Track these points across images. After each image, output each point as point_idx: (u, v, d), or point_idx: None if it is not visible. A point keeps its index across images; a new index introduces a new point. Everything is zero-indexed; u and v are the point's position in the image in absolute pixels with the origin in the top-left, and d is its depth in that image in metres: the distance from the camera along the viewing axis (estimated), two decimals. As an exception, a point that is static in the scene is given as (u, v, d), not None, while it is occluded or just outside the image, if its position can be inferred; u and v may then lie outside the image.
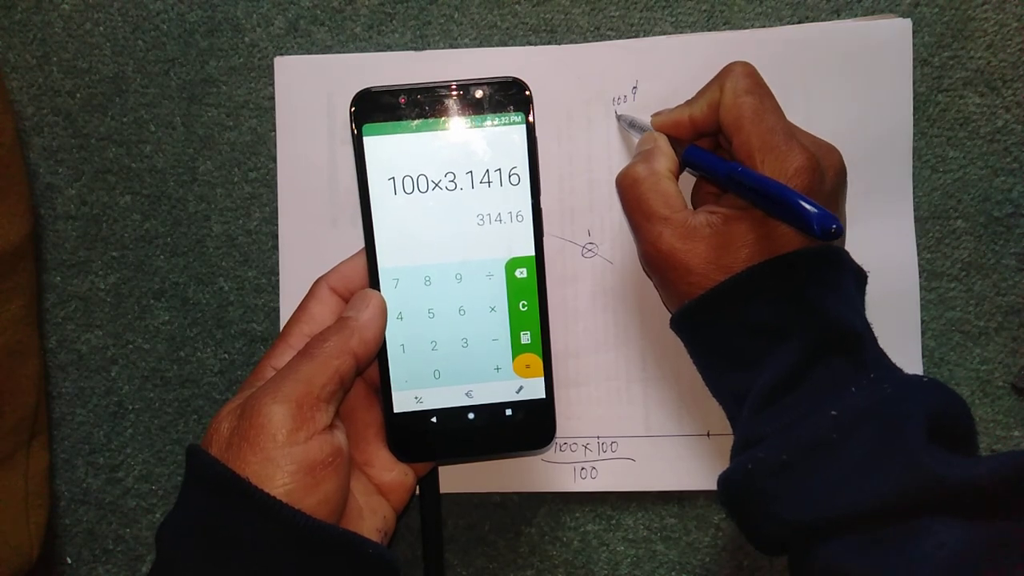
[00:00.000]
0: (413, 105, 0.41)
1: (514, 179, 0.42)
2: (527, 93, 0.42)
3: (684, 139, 0.45)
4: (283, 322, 0.49)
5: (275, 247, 0.49)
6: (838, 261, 0.41)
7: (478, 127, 0.41)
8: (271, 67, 0.49)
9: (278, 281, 0.49)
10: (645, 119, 0.47)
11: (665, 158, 0.44)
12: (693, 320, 0.42)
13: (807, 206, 0.37)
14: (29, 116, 0.50)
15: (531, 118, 0.42)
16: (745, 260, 0.40)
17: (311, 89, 0.49)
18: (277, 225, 0.49)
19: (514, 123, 0.41)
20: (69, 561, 0.50)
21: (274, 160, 0.49)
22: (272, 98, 0.49)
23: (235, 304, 0.50)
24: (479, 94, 0.41)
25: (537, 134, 0.42)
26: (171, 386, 0.50)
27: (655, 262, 0.43)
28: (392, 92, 0.41)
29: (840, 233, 0.36)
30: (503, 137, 0.41)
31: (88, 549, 0.50)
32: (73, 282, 0.50)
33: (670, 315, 0.45)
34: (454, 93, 0.41)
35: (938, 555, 0.33)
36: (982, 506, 0.34)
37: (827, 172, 0.41)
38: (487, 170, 0.41)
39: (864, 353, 0.40)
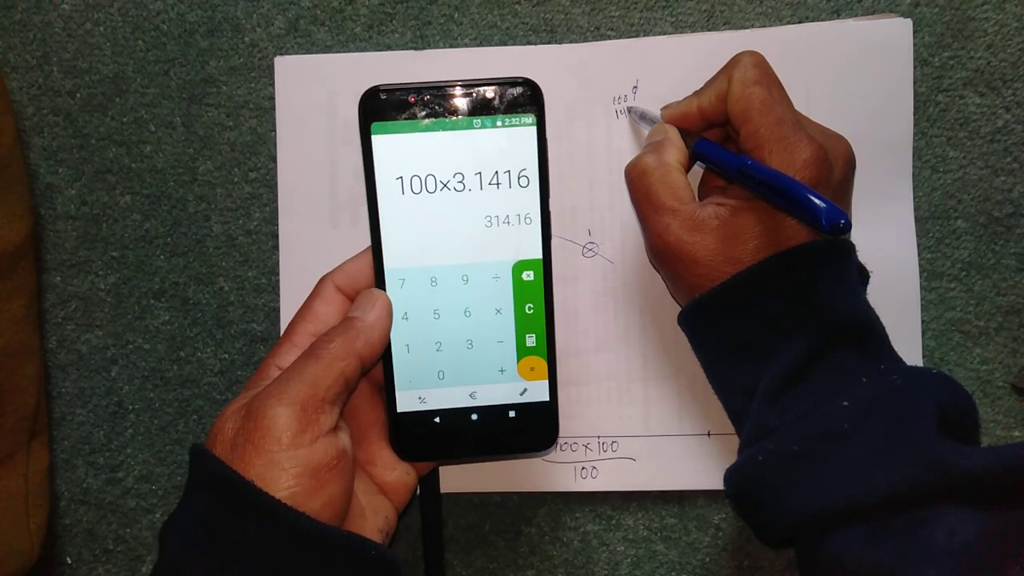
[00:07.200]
0: (423, 104, 0.40)
1: (523, 181, 0.41)
2: (538, 94, 0.41)
3: (694, 130, 0.45)
4: (283, 322, 0.49)
5: (275, 247, 0.49)
6: (848, 254, 0.41)
7: (488, 128, 0.41)
8: (271, 67, 0.49)
9: (278, 281, 0.49)
10: (656, 111, 0.47)
11: (675, 149, 0.44)
12: (703, 314, 0.42)
13: (816, 201, 0.37)
14: (29, 116, 0.50)
15: (542, 120, 0.41)
16: (753, 252, 0.40)
17: (311, 89, 0.49)
18: (277, 225, 0.49)
19: (525, 124, 0.41)
20: (69, 561, 0.50)
21: (274, 160, 0.49)
22: (272, 98, 0.49)
23: (235, 304, 0.50)
24: (490, 94, 0.40)
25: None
26: (171, 386, 0.50)
27: (662, 254, 0.43)
28: (402, 90, 0.40)
29: (848, 228, 0.36)
30: (513, 138, 0.41)
31: (88, 549, 0.50)
32: (73, 282, 0.50)
33: (678, 309, 0.44)
34: (465, 93, 0.40)
35: (951, 543, 0.33)
36: (993, 495, 0.34)
37: (836, 162, 0.41)
38: (496, 171, 0.41)
39: (873, 344, 0.40)
